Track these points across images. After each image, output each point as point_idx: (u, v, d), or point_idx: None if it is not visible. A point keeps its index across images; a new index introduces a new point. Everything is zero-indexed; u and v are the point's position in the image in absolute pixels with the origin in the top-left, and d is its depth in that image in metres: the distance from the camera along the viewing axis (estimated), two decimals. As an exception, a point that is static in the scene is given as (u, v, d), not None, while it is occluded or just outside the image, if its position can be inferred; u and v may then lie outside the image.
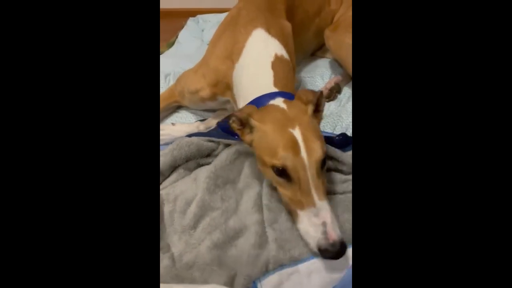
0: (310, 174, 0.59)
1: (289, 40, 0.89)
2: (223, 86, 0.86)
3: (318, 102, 0.68)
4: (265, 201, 0.68)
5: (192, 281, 0.63)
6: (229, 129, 0.71)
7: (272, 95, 0.72)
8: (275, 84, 0.75)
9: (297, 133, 0.61)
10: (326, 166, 0.64)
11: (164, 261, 0.66)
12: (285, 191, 0.63)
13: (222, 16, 1.04)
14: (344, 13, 1.10)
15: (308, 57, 1.22)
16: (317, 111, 0.69)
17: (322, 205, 0.58)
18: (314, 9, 1.07)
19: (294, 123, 0.62)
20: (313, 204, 0.58)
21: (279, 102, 0.69)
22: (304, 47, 1.12)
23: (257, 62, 0.79)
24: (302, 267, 0.59)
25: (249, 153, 0.79)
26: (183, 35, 1.51)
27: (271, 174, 0.64)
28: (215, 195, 0.72)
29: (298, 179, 0.59)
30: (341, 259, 0.56)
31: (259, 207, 0.69)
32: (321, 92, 0.69)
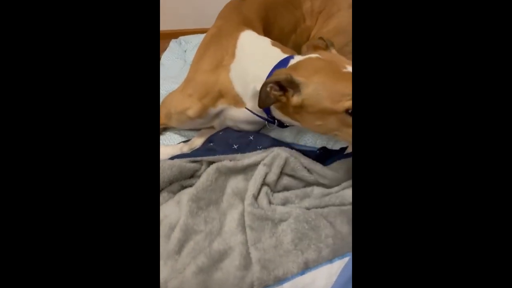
0: None
1: None
2: (215, 96, 0.85)
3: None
4: (247, 220, 0.68)
5: (178, 308, 0.62)
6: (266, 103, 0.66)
7: (288, 58, 0.70)
8: (284, 51, 0.74)
9: (351, 69, 0.60)
10: None
11: (149, 289, 0.65)
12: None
13: (203, 36, 1.06)
14: (320, 29, 1.13)
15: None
16: None
17: None
18: (289, 26, 1.10)
19: (341, 62, 0.61)
20: None
21: (303, 57, 0.68)
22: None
23: (257, 48, 0.79)
24: (287, 286, 0.59)
25: (230, 171, 0.79)
26: (166, 57, 1.52)
27: (340, 120, 0.61)
28: (198, 217, 0.72)
29: None
30: (325, 276, 0.56)
31: (243, 226, 0.69)
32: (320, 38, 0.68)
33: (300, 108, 0.66)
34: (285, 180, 0.77)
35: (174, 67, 1.43)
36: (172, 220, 0.73)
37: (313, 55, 0.68)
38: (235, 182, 0.78)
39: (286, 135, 0.93)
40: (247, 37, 0.84)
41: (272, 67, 0.72)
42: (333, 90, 0.61)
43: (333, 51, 0.68)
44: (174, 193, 0.81)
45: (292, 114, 0.71)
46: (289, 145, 0.82)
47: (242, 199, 0.74)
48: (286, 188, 0.77)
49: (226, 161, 0.80)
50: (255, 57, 0.78)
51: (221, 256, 0.66)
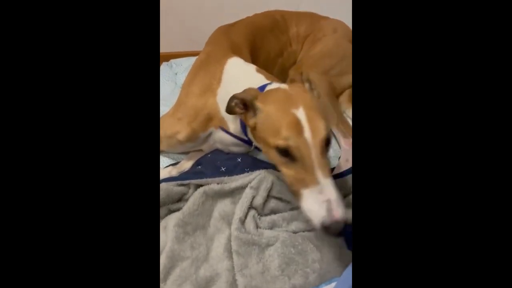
0: (314, 153, 0.59)
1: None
2: (204, 119, 0.86)
3: (310, 83, 0.71)
4: (234, 246, 0.67)
5: None
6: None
7: (266, 85, 0.73)
8: (268, 78, 0.77)
9: (300, 113, 0.61)
10: (328, 147, 0.64)
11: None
12: (289, 171, 0.63)
13: (194, 59, 1.08)
14: (307, 53, 1.17)
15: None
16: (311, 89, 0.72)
17: (326, 182, 0.57)
18: (276, 50, 1.13)
19: (297, 103, 0.63)
20: (317, 182, 0.57)
21: (278, 85, 0.70)
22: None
23: (242, 74, 0.83)
24: (274, 313, 0.58)
25: (218, 195, 0.79)
26: (157, 79, 1.55)
27: (274, 155, 0.64)
28: (185, 243, 0.71)
29: (302, 158, 0.60)
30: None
31: (229, 252, 0.68)
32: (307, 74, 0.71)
33: (254, 130, 0.70)
34: (272, 203, 0.77)
35: (165, 89, 1.44)
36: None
37: (283, 86, 0.71)
38: (222, 206, 0.77)
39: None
40: (233, 63, 0.87)
41: (262, 84, 0.76)
42: (274, 124, 0.63)
43: (305, 86, 0.71)
44: (161, 217, 0.80)
45: (253, 136, 0.74)
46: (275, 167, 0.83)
47: (229, 223, 0.73)
48: (274, 211, 0.76)
49: (213, 184, 0.80)
50: (239, 83, 0.80)
51: (208, 283, 0.65)
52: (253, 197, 0.76)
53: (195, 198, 0.76)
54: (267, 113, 0.65)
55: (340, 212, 0.54)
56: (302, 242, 0.67)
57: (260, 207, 0.76)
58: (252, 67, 0.85)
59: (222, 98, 0.83)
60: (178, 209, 0.79)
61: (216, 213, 0.76)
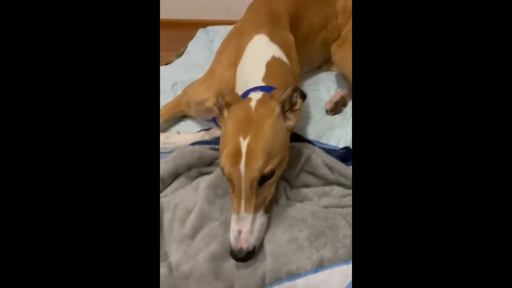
0: (244, 186, 0.61)
1: (291, 50, 0.89)
2: (230, 91, 0.85)
3: (291, 101, 0.67)
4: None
5: (188, 292, 0.63)
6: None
7: (255, 89, 0.73)
8: (264, 79, 0.75)
9: (244, 144, 0.62)
10: (272, 181, 0.64)
11: (162, 269, 0.66)
12: (230, 189, 0.66)
13: (231, 27, 1.06)
14: (351, 28, 1.11)
15: (314, 70, 1.22)
16: (292, 110, 0.68)
17: (245, 216, 0.61)
18: (320, 22, 1.08)
19: (249, 129, 0.63)
20: (238, 212, 0.62)
21: (256, 96, 0.70)
22: (310, 59, 1.13)
23: (253, 61, 0.81)
24: (300, 282, 0.58)
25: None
26: (192, 45, 1.53)
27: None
28: (215, 205, 0.72)
29: (234, 186, 0.63)
30: (340, 277, 0.55)
31: (258, 219, 0.68)
32: (293, 89, 0.66)
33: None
34: (305, 177, 0.76)
35: (200, 56, 1.43)
36: (188, 205, 0.73)
37: (254, 98, 0.69)
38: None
39: (309, 132, 0.92)
40: (258, 42, 0.85)
41: (254, 86, 0.74)
42: (222, 144, 0.66)
43: (276, 109, 0.66)
44: (192, 179, 0.81)
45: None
46: (311, 142, 0.81)
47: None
48: (305, 185, 0.75)
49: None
50: (244, 72, 0.80)
51: (234, 245, 0.66)
52: (284, 170, 0.75)
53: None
54: (224, 130, 0.68)
55: (246, 243, 0.60)
56: (334, 217, 0.66)
57: (291, 180, 0.75)
58: (272, 50, 0.82)
59: (238, 76, 0.83)
60: (209, 173, 0.80)
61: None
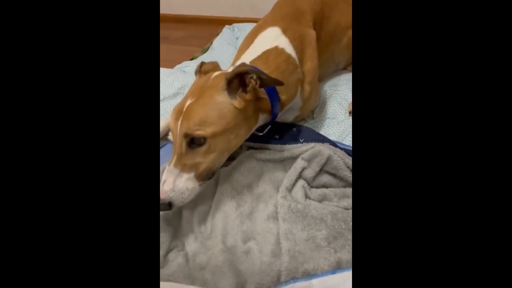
0: (178, 140, 0.66)
1: (306, 46, 0.89)
2: None
3: (244, 81, 0.68)
4: (280, 211, 0.67)
5: (203, 283, 0.63)
6: None
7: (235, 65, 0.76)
8: (252, 62, 0.77)
9: (187, 104, 0.67)
10: (204, 149, 0.66)
11: (179, 259, 0.67)
12: None
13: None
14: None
15: (340, 70, 1.20)
16: (244, 90, 0.68)
17: (172, 170, 0.65)
18: (347, 21, 1.06)
19: (197, 93, 0.68)
20: (169, 164, 0.65)
21: (221, 71, 0.75)
22: (335, 58, 1.11)
23: (254, 47, 0.84)
24: (316, 282, 0.57)
25: (269, 160, 0.79)
26: (217, 41, 1.55)
27: None
28: (232, 199, 0.72)
29: (174, 139, 0.67)
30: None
31: (274, 215, 0.68)
32: (247, 70, 0.66)
33: None
34: (325, 178, 0.74)
35: (224, 52, 1.45)
36: (207, 197, 0.74)
37: (218, 72, 0.75)
38: (273, 170, 0.77)
39: (331, 132, 0.91)
40: (269, 33, 0.87)
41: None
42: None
43: (220, 84, 0.69)
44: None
45: None
46: (334, 143, 0.79)
47: (277, 189, 0.73)
48: (325, 186, 0.74)
49: (264, 151, 0.80)
50: (249, 50, 0.83)
51: (250, 239, 0.66)
52: (303, 169, 0.74)
53: (245, 156, 0.76)
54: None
55: (165, 193, 0.64)
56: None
57: (310, 180, 0.75)
58: (279, 42, 0.83)
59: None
60: (226, 165, 0.81)
61: (266, 176, 0.76)
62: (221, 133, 0.66)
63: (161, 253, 0.68)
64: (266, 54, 0.80)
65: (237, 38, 1.54)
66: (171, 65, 1.33)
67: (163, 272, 0.66)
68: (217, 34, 1.61)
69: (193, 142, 0.65)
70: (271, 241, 0.64)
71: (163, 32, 2.06)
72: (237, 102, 0.68)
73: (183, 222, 0.73)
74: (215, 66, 0.78)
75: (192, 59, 1.49)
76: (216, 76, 0.72)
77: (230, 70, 0.78)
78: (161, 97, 1.11)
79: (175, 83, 1.16)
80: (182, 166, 0.65)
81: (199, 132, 0.64)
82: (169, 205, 0.65)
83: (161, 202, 0.64)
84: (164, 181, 0.64)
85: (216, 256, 0.65)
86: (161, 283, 0.60)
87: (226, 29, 1.62)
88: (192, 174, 0.66)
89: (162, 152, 0.94)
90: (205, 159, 0.67)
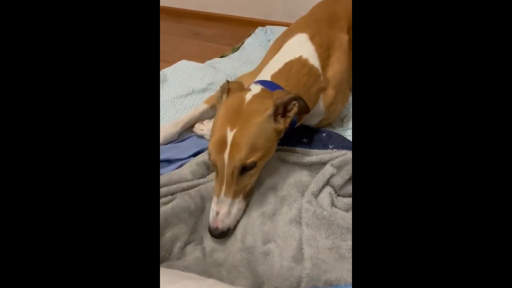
0: (226, 173, 0.65)
1: (336, 51, 0.89)
2: None
3: (286, 106, 0.69)
4: (304, 217, 0.65)
5: (219, 279, 0.62)
6: None
7: (258, 82, 0.75)
8: (273, 76, 0.78)
9: (230, 135, 0.65)
10: (253, 172, 0.68)
11: (196, 253, 0.66)
12: (215, 173, 0.69)
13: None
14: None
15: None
16: (284, 115, 0.70)
17: (224, 200, 0.65)
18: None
19: (238, 120, 0.66)
20: (218, 195, 0.66)
21: (255, 89, 0.72)
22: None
23: (279, 58, 0.83)
24: (337, 294, 0.55)
25: (296, 163, 0.77)
26: (249, 42, 1.55)
27: None
28: (255, 198, 0.71)
29: (217, 171, 0.67)
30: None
31: (298, 220, 0.66)
32: (294, 97, 0.68)
33: None
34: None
35: (255, 53, 1.45)
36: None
37: (252, 91, 0.72)
38: (299, 175, 0.75)
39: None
40: (296, 40, 0.87)
41: (261, 79, 0.78)
42: (211, 131, 0.70)
43: (269, 110, 0.68)
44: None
45: None
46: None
47: (302, 193, 0.71)
48: (353, 195, 0.72)
49: (292, 154, 0.78)
50: (273, 61, 0.82)
51: (270, 241, 0.64)
52: (332, 175, 0.72)
53: (272, 158, 0.75)
54: (216, 115, 0.71)
55: (222, 224, 0.65)
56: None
57: (338, 188, 0.72)
58: (303, 50, 0.83)
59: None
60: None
61: (291, 180, 0.74)
62: (266, 154, 0.69)
63: (179, 244, 0.67)
64: (288, 67, 0.79)
65: (268, 40, 1.54)
66: (202, 61, 1.34)
67: (179, 263, 0.65)
68: (247, 36, 1.61)
69: (244, 169, 0.66)
70: (293, 246, 0.62)
71: (196, 28, 2.09)
72: (279, 127, 0.70)
73: (203, 217, 0.72)
74: (240, 86, 0.76)
75: (222, 56, 1.50)
76: (256, 99, 0.69)
77: (260, 76, 0.79)
78: (190, 90, 1.12)
79: (205, 78, 1.17)
80: (233, 194, 0.66)
81: (251, 160, 0.65)
82: (228, 230, 0.66)
83: (219, 231, 0.65)
84: (218, 212, 0.65)
85: (234, 255, 0.64)
86: (177, 272, 0.59)
87: (259, 30, 1.62)
88: (241, 197, 0.68)
89: (186, 143, 0.94)
90: (251, 179, 0.69)
